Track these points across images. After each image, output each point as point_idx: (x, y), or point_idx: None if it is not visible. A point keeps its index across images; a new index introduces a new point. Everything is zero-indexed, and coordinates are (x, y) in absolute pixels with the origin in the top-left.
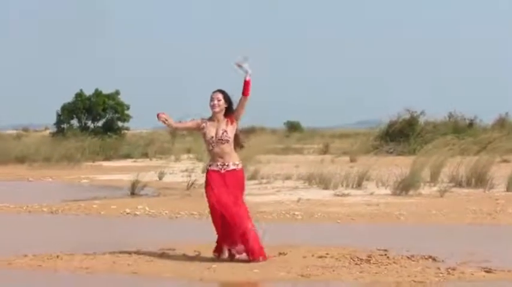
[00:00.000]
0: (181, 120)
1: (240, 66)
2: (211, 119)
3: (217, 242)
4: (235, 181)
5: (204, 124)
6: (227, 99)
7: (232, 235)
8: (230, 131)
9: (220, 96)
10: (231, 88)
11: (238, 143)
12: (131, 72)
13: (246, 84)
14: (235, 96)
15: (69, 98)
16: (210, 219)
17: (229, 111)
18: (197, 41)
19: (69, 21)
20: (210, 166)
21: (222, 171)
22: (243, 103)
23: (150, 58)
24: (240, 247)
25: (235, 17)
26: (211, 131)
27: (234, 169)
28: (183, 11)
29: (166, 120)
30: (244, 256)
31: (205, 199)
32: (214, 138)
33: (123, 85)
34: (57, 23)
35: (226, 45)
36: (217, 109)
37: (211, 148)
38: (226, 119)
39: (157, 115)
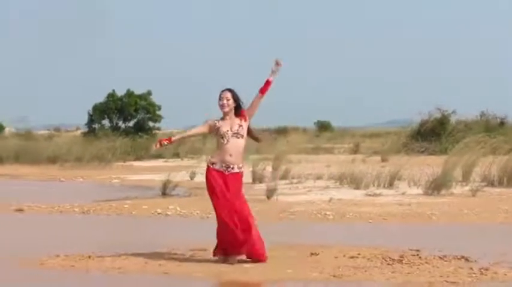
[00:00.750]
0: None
1: (278, 65)
2: (222, 118)
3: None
4: (236, 183)
5: (216, 123)
6: (236, 98)
7: (236, 240)
8: (244, 126)
9: (228, 95)
10: (253, 89)
11: (253, 137)
12: (163, 73)
13: (267, 83)
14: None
15: (101, 98)
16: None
17: (239, 110)
18: (231, 43)
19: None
20: (213, 164)
21: (226, 173)
22: (257, 102)
23: (183, 59)
24: (241, 250)
25: (272, 17)
26: (225, 126)
27: (237, 172)
28: (220, 13)
29: (166, 144)
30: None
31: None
32: (229, 132)
33: (154, 85)
34: (79, 23)
35: (261, 47)
36: (226, 109)
37: (225, 141)
38: (239, 117)
39: (156, 145)
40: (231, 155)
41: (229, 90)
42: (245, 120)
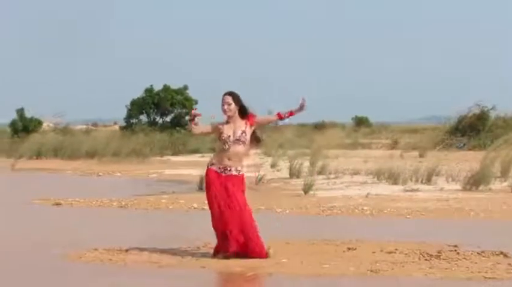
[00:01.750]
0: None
1: (303, 106)
2: (227, 122)
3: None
4: (235, 185)
5: (220, 126)
6: (237, 101)
7: (221, 238)
8: (248, 132)
9: (229, 99)
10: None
11: (256, 138)
12: (199, 68)
13: (290, 114)
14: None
15: (139, 93)
16: (278, 214)
17: (244, 113)
18: (267, 39)
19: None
20: (212, 164)
21: (223, 175)
22: (271, 120)
23: (220, 56)
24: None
25: (312, 17)
26: (228, 131)
27: (236, 175)
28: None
29: (195, 121)
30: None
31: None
32: (231, 138)
33: (190, 81)
34: (117, 17)
35: (297, 46)
36: (229, 113)
37: (226, 147)
38: (244, 120)
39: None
40: (229, 160)
41: (230, 93)
42: (251, 125)
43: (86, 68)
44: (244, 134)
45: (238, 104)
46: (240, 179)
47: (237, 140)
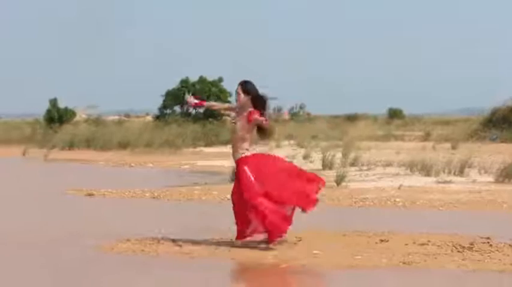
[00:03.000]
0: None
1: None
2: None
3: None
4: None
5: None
6: (247, 91)
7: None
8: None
9: (239, 89)
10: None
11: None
12: (233, 59)
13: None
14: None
15: (174, 84)
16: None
17: (256, 104)
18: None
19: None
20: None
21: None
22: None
23: (253, 46)
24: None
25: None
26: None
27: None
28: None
29: (197, 103)
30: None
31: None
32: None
33: (225, 72)
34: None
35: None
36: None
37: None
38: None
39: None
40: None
41: (242, 83)
42: (248, 121)
43: (121, 59)
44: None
45: (249, 94)
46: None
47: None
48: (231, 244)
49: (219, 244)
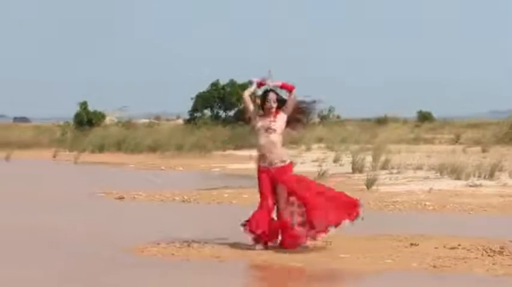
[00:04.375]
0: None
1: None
2: (262, 115)
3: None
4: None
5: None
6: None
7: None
8: (279, 120)
9: (275, 97)
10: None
11: (296, 119)
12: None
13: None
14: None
15: (204, 87)
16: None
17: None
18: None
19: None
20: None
21: (271, 169)
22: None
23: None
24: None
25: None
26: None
27: (281, 166)
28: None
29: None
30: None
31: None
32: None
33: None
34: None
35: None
36: (271, 109)
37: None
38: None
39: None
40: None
41: (275, 91)
42: (276, 113)
43: (152, 64)
44: (274, 122)
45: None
46: (285, 170)
47: (269, 129)
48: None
49: (249, 247)
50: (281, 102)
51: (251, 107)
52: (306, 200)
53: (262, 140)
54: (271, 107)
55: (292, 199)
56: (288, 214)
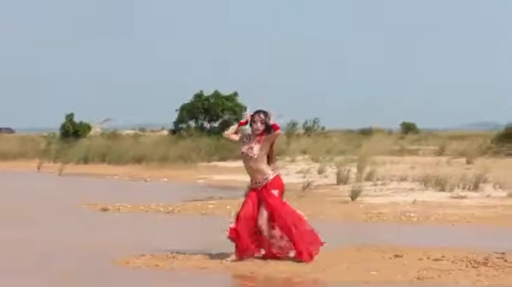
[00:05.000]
0: None
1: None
2: (247, 138)
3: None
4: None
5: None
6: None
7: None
8: (256, 147)
9: (263, 118)
10: None
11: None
12: (248, 74)
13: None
14: None
15: (188, 99)
16: (325, 220)
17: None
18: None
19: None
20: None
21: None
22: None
23: (269, 59)
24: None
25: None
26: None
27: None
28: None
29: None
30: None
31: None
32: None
33: (240, 87)
34: None
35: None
36: (257, 132)
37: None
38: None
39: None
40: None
41: (264, 112)
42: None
43: (137, 72)
44: (251, 150)
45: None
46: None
47: (247, 156)
48: (246, 259)
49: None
50: (267, 129)
51: (235, 139)
52: (284, 230)
53: (245, 165)
54: (258, 129)
55: (273, 224)
56: (267, 229)
